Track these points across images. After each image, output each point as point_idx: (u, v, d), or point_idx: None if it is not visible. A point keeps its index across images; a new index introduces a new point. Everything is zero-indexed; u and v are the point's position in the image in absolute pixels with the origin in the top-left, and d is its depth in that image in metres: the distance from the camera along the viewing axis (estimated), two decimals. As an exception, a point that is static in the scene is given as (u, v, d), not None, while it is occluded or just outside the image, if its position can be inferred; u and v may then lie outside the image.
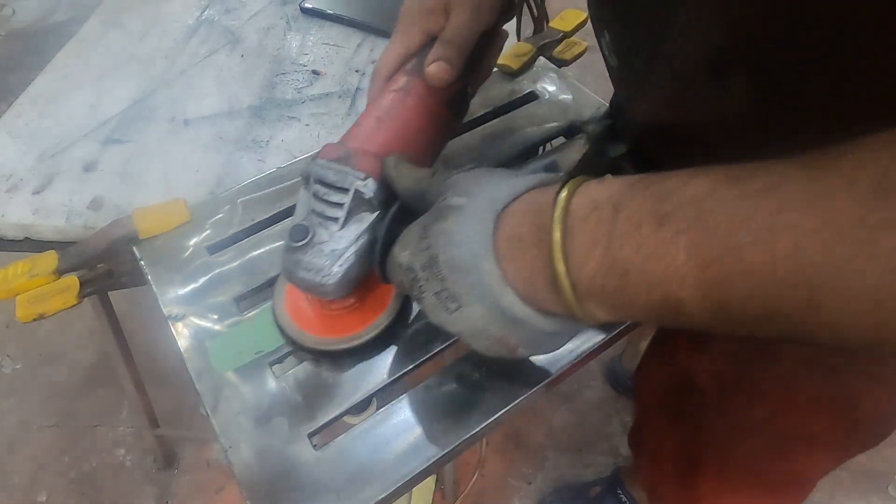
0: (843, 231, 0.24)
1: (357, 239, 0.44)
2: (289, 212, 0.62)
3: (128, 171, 0.77)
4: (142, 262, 0.58)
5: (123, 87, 0.88)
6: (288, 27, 1.00)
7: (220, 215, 0.62)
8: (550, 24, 0.84)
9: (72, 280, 0.57)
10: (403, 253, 0.39)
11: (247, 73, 0.91)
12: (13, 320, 0.55)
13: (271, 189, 0.64)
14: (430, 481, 1.16)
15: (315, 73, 0.91)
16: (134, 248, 0.59)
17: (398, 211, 0.43)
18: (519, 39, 0.88)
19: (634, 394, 0.97)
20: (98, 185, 0.75)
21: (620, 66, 0.56)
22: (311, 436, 0.46)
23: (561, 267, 0.32)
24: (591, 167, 0.65)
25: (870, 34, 0.32)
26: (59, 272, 0.57)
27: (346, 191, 0.44)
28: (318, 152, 0.46)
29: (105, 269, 0.60)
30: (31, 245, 0.72)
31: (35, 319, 0.55)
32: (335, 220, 0.44)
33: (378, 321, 0.50)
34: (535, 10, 1.05)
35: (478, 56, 0.53)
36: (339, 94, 0.87)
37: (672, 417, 0.80)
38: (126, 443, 1.26)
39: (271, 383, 0.49)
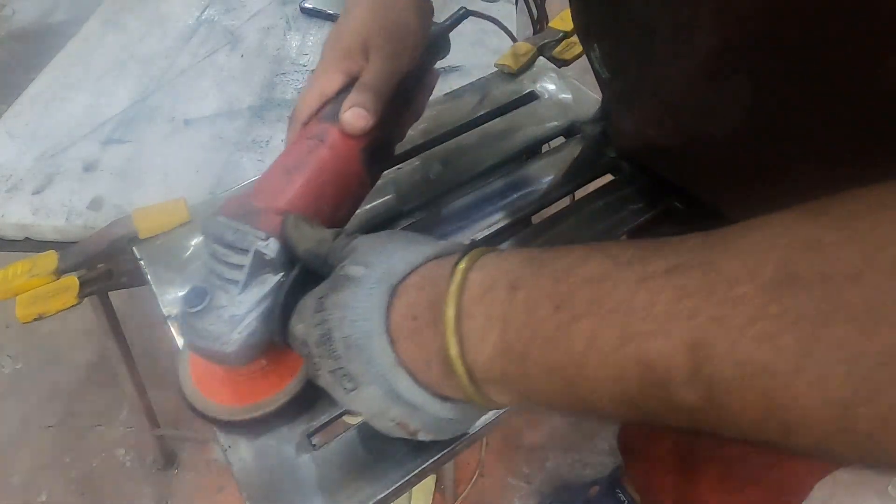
0: (745, 323, 0.22)
1: (259, 303, 0.40)
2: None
3: (128, 171, 0.77)
4: (142, 262, 0.58)
5: (123, 87, 0.88)
6: (288, 27, 1.00)
7: (220, 215, 0.61)
8: (550, 24, 0.84)
9: (72, 280, 0.57)
10: (298, 326, 0.36)
11: (247, 73, 0.91)
12: (13, 320, 0.55)
13: (271, 189, 0.64)
14: (429, 481, 1.16)
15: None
16: (134, 248, 0.59)
17: (299, 275, 0.40)
18: (516, 40, 0.88)
19: None
20: (98, 185, 0.75)
21: (612, 79, 0.54)
22: (309, 435, 0.46)
23: (454, 350, 0.30)
24: (589, 167, 0.65)
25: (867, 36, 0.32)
26: (59, 272, 0.57)
27: (245, 251, 0.40)
28: (220, 208, 0.43)
29: (105, 269, 0.60)
30: (31, 245, 0.72)
31: (35, 319, 0.55)
32: (235, 282, 0.40)
33: (292, 385, 0.45)
34: (534, 11, 1.05)
35: (403, 98, 0.50)
36: (339, 94, 0.87)
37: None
38: (126, 443, 1.26)
39: (271, 383, 0.49)
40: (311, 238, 0.39)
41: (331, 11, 1.00)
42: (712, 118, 0.43)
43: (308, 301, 0.36)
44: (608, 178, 0.66)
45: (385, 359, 0.32)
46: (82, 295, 0.57)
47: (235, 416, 0.45)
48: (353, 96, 0.45)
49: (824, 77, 0.35)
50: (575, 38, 0.83)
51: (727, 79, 0.40)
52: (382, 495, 0.43)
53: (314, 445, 0.46)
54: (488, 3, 1.01)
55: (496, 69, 0.78)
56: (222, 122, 0.83)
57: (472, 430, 0.46)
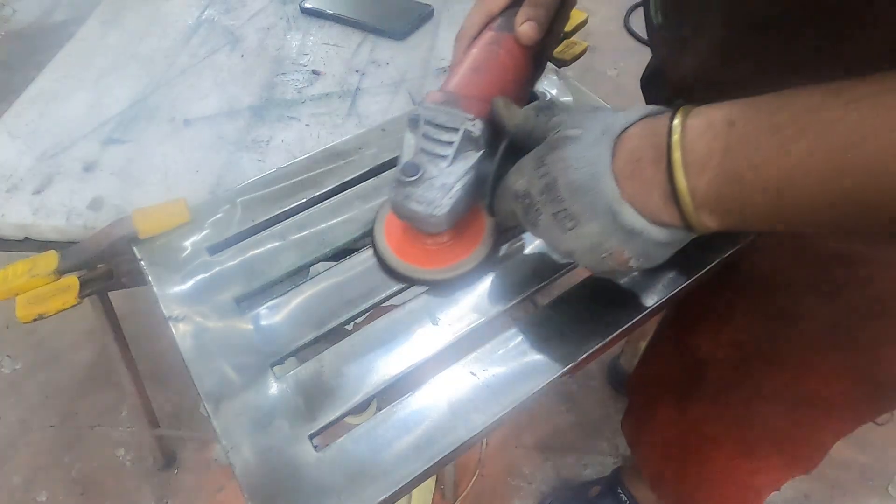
0: None
1: (464, 175, 0.48)
2: (289, 212, 0.62)
3: (128, 171, 0.77)
4: (142, 262, 0.58)
5: (123, 87, 0.88)
6: (288, 27, 1.00)
7: (220, 215, 0.61)
8: (551, 24, 0.84)
9: (72, 280, 0.57)
10: (520, 181, 0.44)
11: (247, 73, 0.91)
12: (13, 320, 0.55)
13: (271, 189, 0.64)
14: (430, 482, 1.16)
15: (315, 73, 0.91)
16: (134, 248, 0.59)
17: (507, 147, 0.47)
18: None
19: (634, 386, 0.97)
20: (98, 185, 0.75)
21: (665, 25, 0.58)
22: (311, 437, 0.46)
23: (682, 181, 0.37)
24: None
25: None
26: (59, 272, 0.57)
27: (455, 130, 0.48)
28: (425, 97, 0.51)
29: (105, 269, 0.60)
30: (31, 245, 0.72)
31: (35, 319, 0.55)
32: (444, 157, 0.48)
33: (473, 255, 0.54)
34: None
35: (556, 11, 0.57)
36: (339, 94, 0.87)
37: (679, 400, 0.81)
38: (126, 443, 1.26)
39: (272, 385, 0.49)
40: (518, 115, 0.47)
41: (331, 11, 1.00)
42: (790, 44, 0.46)
43: (526, 161, 0.44)
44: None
45: (611, 194, 0.39)
46: (82, 295, 0.57)
47: (436, 276, 0.54)
48: (526, 11, 0.53)
49: None
50: (575, 39, 0.83)
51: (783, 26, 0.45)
52: (384, 496, 0.43)
53: (316, 447, 0.46)
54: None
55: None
56: (222, 122, 0.83)
57: (472, 431, 0.46)
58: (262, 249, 0.59)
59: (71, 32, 0.98)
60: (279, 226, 0.61)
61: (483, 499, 1.19)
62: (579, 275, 0.57)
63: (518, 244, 0.59)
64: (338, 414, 0.47)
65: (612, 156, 0.40)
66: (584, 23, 0.83)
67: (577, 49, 0.83)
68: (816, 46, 0.44)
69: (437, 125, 0.49)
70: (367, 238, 0.60)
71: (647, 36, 0.65)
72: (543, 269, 0.56)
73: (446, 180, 0.48)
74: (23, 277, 0.56)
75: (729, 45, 0.50)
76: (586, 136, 0.41)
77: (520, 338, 0.52)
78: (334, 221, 0.61)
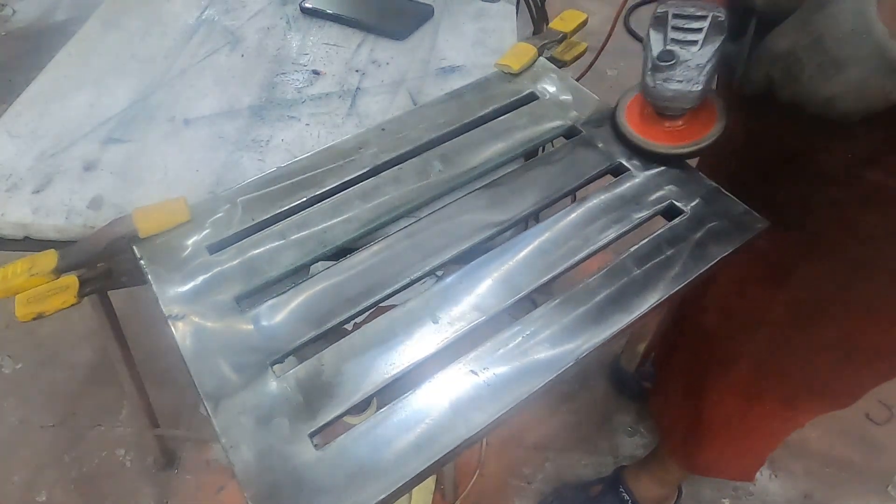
0: None
1: (713, 55, 0.57)
2: (289, 211, 0.62)
3: (128, 170, 0.77)
4: (142, 262, 0.58)
5: (123, 87, 0.88)
6: (288, 27, 1.00)
7: (220, 215, 0.61)
8: (551, 24, 0.84)
9: (71, 279, 0.57)
10: (782, 41, 0.51)
11: (247, 73, 0.91)
12: (13, 320, 0.55)
13: (271, 189, 0.64)
14: (430, 481, 1.16)
15: (315, 72, 0.91)
16: (134, 248, 0.59)
17: (758, 24, 0.55)
18: (518, 40, 0.88)
19: (662, 359, 0.98)
20: (98, 185, 0.75)
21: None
22: (311, 436, 0.46)
23: None
24: (589, 168, 0.66)
25: None
26: (59, 271, 0.57)
27: (704, 18, 0.57)
28: None
29: (105, 268, 0.60)
30: (30, 244, 0.72)
31: (34, 319, 0.55)
32: (695, 42, 0.57)
33: (708, 135, 0.62)
34: (535, 11, 1.05)
35: None
36: (339, 94, 0.87)
37: (718, 366, 0.84)
38: (126, 443, 1.26)
39: (272, 383, 0.49)
40: None
41: (330, 11, 1.00)
42: None
43: (788, 25, 0.51)
44: (608, 178, 0.66)
45: (878, 34, 0.45)
46: (82, 294, 0.57)
47: (678, 150, 0.63)
48: None
49: None
50: (575, 39, 0.83)
51: None
52: (384, 496, 0.43)
53: (316, 446, 0.46)
54: (489, 4, 1.01)
55: (496, 69, 0.78)
56: (222, 121, 0.83)
57: (472, 430, 0.46)
58: (262, 249, 0.59)
59: (71, 32, 0.98)
60: (279, 225, 0.61)
61: (483, 499, 1.19)
62: (579, 275, 0.57)
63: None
64: (338, 413, 0.47)
65: (876, 3, 0.45)
66: (584, 23, 0.83)
67: (578, 49, 0.83)
68: None
69: (685, 16, 0.58)
70: (367, 238, 0.60)
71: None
72: (544, 267, 0.56)
73: (700, 61, 0.57)
74: (22, 276, 0.56)
75: None
76: None
77: (520, 337, 0.52)
78: (334, 221, 0.61)
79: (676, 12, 0.59)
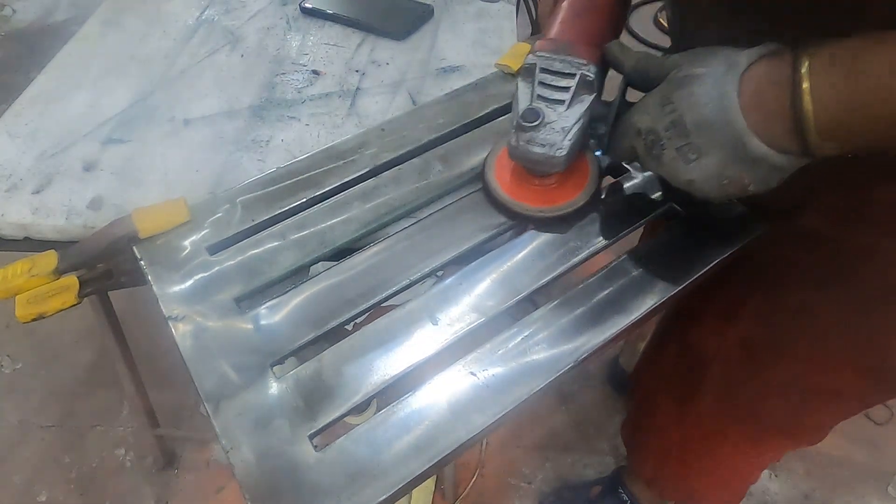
0: None
1: (580, 117, 0.52)
2: (289, 212, 0.62)
3: (128, 170, 0.77)
4: (142, 262, 0.58)
5: (123, 87, 0.88)
6: (288, 27, 1.00)
7: (220, 215, 0.61)
8: (551, 24, 0.84)
9: (71, 280, 0.57)
10: (644, 118, 0.48)
11: (247, 73, 0.91)
12: (13, 320, 0.55)
13: (271, 189, 0.64)
14: (430, 482, 1.16)
15: (315, 73, 0.91)
16: (134, 248, 0.58)
17: (625, 88, 0.52)
18: (518, 40, 0.88)
19: (635, 387, 0.98)
20: (98, 185, 0.75)
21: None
22: (311, 437, 0.46)
23: (809, 111, 0.40)
24: None
25: None
26: (59, 272, 0.57)
27: (572, 76, 0.52)
28: (534, 46, 0.54)
29: (105, 268, 0.60)
30: (30, 245, 0.72)
31: (35, 319, 0.55)
32: (562, 102, 0.52)
33: (579, 196, 0.58)
34: (534, 11, 1.05)
35: None
36: (339, 94, 0.87)
37: (682, 398, 0.81)
38: (126, 443, 1.26)
39: (272, 385, 0.49)
40: (634, 57, 0.51)
41: (330, 11, 1.00)
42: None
43: (651, 100, 0.48)
44: (609, 180, 0.66)
45: (739, 126, 0.43)
46: (82, 295, 0.57)
47: (547, 213, 0.58)
48: None
49: None
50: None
51: None
52: (384, 496, 0.43)
53: (316, 447, 0.46)
54: (489, 4, 1.01)
55: (496, 69, 0.78)
56: (222, 122, 0.83)
57: (472, 431, 0.46)
58: (261, 249, 0.59)
59: (71, 32, 0.98)
60: (279, 225, 0.61)
61: (483, 499, 1.19)
62: (579, 274, 0.57)
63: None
64: (338, 414, 0.47)
65: (738, 91, 0.43)
66: (583, 23, 0.83)
67: (577, 49, 0.83)
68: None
69: (553, 72, 0.53)
70: (367, 237, 0.60)
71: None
72: (544, 268, 0.56)
73: (565, 123, 0.52)
74: (22, 277, 0.56)
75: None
76: (711, 73, 0.45)
77: (520, 338, 0.52)
78: (334, 221, 0.61)
79: (544, 66, 0.53)
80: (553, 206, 0.58)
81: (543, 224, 0.59)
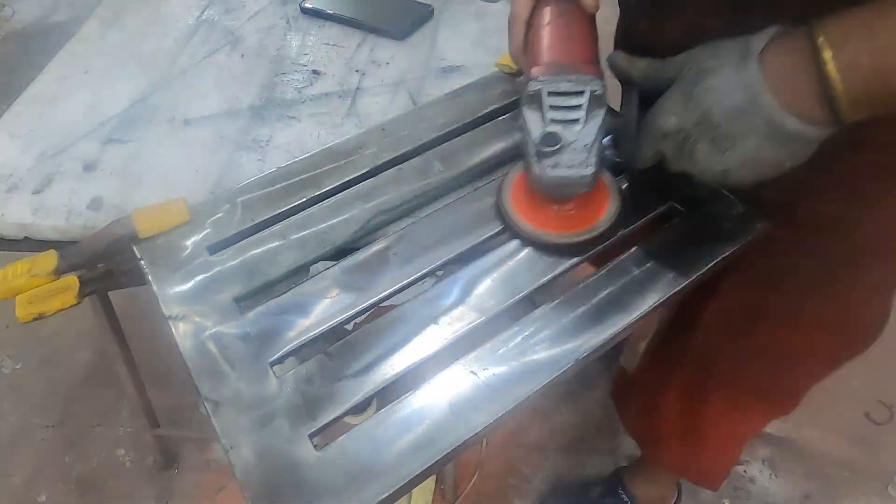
0: None
1: (598, 132, 0.51)
2: (289, 211, 0.62)
3: (128, 171, 0.77)
4: (142, 262, 0.58)
5: (123, 87, 0.88)
6: (288, 27, 1.00)
7: (220, 215, 0.61)
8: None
9: (71, 280, 0.57)
10: (670, 119, 0.48)
11: (247, 73, 0.91)
12: (13, 320, 0.55)
13: (271, 189, 0.64)
14: (429, 481, 1.16)
15: (315, 73, 0.91)
16: (134, 248, 0.59)
17: (638, 96, 0.52)
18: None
19: (636, 379, 0.99)
20: (98, 185, 0.75)
21: None
22: (311, 436, 0.46)
23: (836, 77, 0.40)
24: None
25: None
26: (59, 272, 0.57)
27: (581, 94, 0.51)
28: (530, 73, 0.53)
29: (105, 268, 0.60)
30: (30, 245, 0.72)
31: (35, 319, 0.55)
32: (577, 121, 0.51)
33: (604, 219, 0.58)
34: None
35: None
36: (339, 94, 0.87)
37: (673, 364, 0.84)
38: (126, 443, 1.26)
39: (272, 384, 0.49)
40: (640, 65, 0.52)
41: (330, 11, 1.00)
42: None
43: (670, 100, 0.48)
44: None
45: (771, 108, 0.43)
46: (82, 295, 0.57)
47: (564, 240, 0.57)
48: None
49: None
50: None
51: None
52: (384, 496, 0.43)
53: (316, 446, 0.46)
54: (489, 3, 1.01)
55: (496, 69, 0.78)
56: (222, 122, 0.83)
57: (472, 431, 0.46)
58: (261, 249, 0.59)
59: (71, 32, 0.98)
60: (279, 225, 0.61)
61: (483, 498, 1.19)
62: (579, 274, 0.57)
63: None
64: (338, 413, 0.47)
65: (762, 74, 0.44)
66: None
67: (577, 49, 0.83)
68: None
69: (561, 93, 0.51)
70: (366, 238, 0.60)
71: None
72: (543, 269, 0.56)
73: (586, 141, 0.51)
74: (22, 277, 0.56)
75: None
76: (726, 64, 0.45)
77: (520, 337, 0.52)
78: (334, 221, 0.61)
79: (551, 90, 0.52)
80: (586, 228, 0.58)
81: (581, 248, 0.58)
